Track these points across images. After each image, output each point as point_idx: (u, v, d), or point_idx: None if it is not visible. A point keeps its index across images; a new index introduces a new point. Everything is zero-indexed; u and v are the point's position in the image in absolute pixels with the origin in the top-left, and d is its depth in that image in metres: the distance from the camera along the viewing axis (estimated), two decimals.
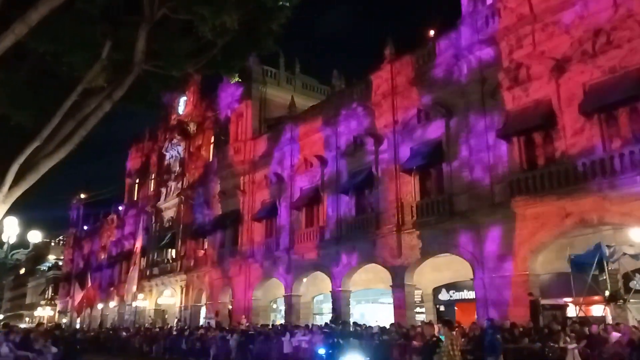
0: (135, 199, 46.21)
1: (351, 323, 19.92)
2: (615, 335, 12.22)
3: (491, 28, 18.72)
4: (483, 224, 17.85)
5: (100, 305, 47.22)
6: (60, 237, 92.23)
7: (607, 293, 13.87)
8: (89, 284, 45.00)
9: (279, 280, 27.18)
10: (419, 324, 17.71)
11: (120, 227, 47.26)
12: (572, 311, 15.71)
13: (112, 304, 44.90)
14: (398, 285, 20.63)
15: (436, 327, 13.85)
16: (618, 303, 14.04)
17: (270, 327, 23.55)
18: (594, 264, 13.89)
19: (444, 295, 21.32)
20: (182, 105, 40.49)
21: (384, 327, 18.07)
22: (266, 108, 32.82)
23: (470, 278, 18.29)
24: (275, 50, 14.53)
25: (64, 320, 54.80)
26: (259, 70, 32.82)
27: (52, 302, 67.53)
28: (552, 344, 12.65)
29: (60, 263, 75.29)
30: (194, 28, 11.64)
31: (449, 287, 21.03)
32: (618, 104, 15.13)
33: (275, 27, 12.62)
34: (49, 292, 72.36)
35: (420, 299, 21.88)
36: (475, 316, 17.58)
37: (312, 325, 21.37)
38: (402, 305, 20.36)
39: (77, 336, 34.80)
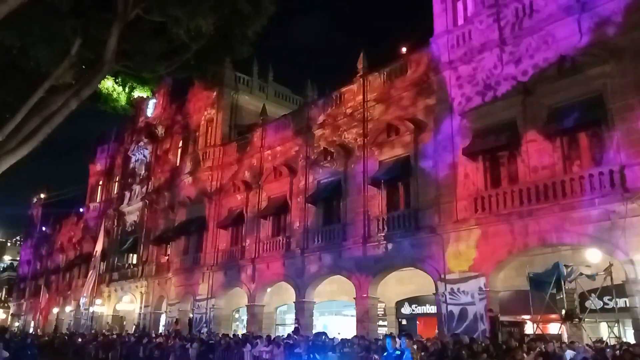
0: (97, 201, 45.17)
1: (313, 334, 19.82)
2: (570, 353, 12.49)
3: (462, 48, 19.17)
4: (447, 239, 18.11)
5: (55, 309, 45.76)
6: (17, 237, 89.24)
7: (563, 312, 14.21)
8: (47, 289, 43.62)
9: (242, 290, 26.89)
10: (381, 337, 17.76)
11: (80, 229, 46.04)
12: (529, 328, 16.02)
13: (69, 308, 43.56)
14: (361, 297, 20.68)
15: (397, 340, 13.93)
16: (574, 322, 14.39)
17: (232, 336, 23.23)
18: (552, 283, 14.23)
19: (406, 309, 21.47)
20: (151, 107, 39.91)
21: (346, 340, 18.02)
22: (237, 115, 32.68)
23: (433, 292, 18.49)
24: (249, 57, 14.50)
25: (17, 324, 52.86)
26: (231, 76, 32.71)
27: (6, 305, 65.13)
28: None
29: (16, 264, 72.71)
30: (168, 30, 11.51)
31: (412, 301, 21.21)
32: (579, 127, 15.65)
33: (251, 33, 12.61)
34: (3, 294, 69.78)
35: (383, 312, 21.96)
36: (436, 330, 17.75)
37: (275, 336, 21.16)
38: (364, 318, 20.41)
39: (28, 341, 33.59)
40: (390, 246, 20.05)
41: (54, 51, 11.17)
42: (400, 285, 21.17)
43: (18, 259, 72.41)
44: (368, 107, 22.55)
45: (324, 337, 17.63)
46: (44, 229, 55.90)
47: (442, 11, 20.23)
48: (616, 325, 14.27)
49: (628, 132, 14.54)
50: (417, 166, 19.99)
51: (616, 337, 13.96)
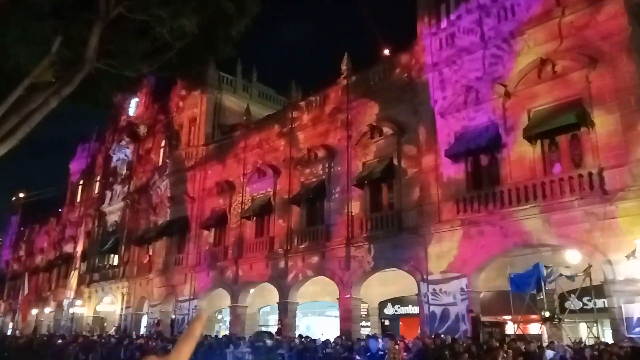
0: (78, 201, 44.57)
1: (297, 335, 19.82)
2: (549, 353, 12.67)
3: (444, 51, 19.34)
4: (429, 240, 18.24)
5: (34, 311, 45.03)
6: None
7: (543, 312, 14.40)
8: (26, 289, 42.89)
9: (225, 291, 26.75)
10: (364, 337, 17.82)
11: (60, 230, 45.36)
12: (510, 329, 16.21)
13: (48, 309, 42.90)
14: (345, 298, 20.72)
15: (380, 341, 13.99)
16: (554, 322, 14.59)
17: (214, 337, 23.09)
18: (532, 284, 14.42)
19: (389, 310, 21.57)
20: (133, 106, 39.52)
21: (329, 340, 18.06)
22: (220, 114, 32.51)
23: (415, 293, 18.60)
24: (232, 57, 14.46)
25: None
26: (215, 76, 32.51)
27: None
28: None
29: None
30: (151, 29, 11.40)
31: (395, 301, 21.31)
32: (559, 130, 15.89)
33: (234, 34, 12.56)
34: None
35: (366, 313, 22.03)
36: (419, 331, 17.87)
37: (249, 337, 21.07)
38: (347, 319, 20.45)
39: (6, 342, 33.05)
40: (373, 247, 20.11)
41: (35, 50, 11.00)
42: (384, 286, 21.26)
43: None
44: (351, 108, 22.61)
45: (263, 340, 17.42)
46: (22, 229, 54.94)
47: (426, 14, 20.38)
48: (595, 325, 14.51)
49: (607, 135, 14.79)
50: (400, 167, 20.10)
51: (595, 337, 14.19)
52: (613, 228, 14.16)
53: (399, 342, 14.76)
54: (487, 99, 17.63)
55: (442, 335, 15.30)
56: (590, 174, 14.74)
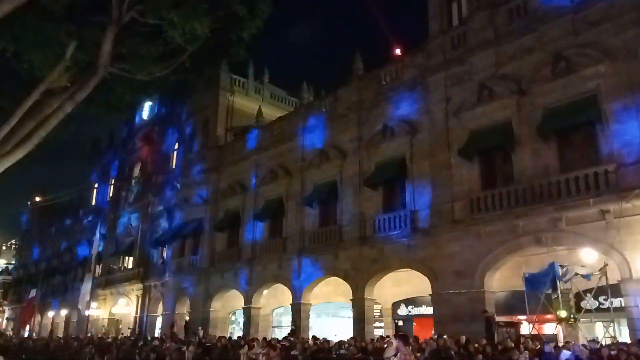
0: (93, 204, 45.03)
1: (310, 337, 19.83)
2: (565, 353, 12.54)
3: (456, 49, 19.25)
4: (443, 240, 18.14)
5: (51, 313, 45.56)
6: (12, 241, 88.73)
7: (559, 312, 14.26)
8: (34, 294, 43.41)
9: (238, 292, 26.85)
10: (377, 338, 17.78)
11: (76, 233, 45.85)
12: (525, 329, 16.07)
13: (64, 312, 43.38)
14: (358, 299, 20.68)
15: (395, 342, 13.95)
16: (569, 322, 14.44)
17: (228, 339, 23.18)
18: (548, 283, 14.27)
19: (402, 310, 21.48)
20: (147, 110, 39.84)
21: (342, 341, 18.04)
22: (233, 117, 32.65)
23: (429, 293, 18.51)
24: (244, 59, 14.54)
25: (12, 328, 52.56)
26: (227, 78, 32.67)
27: (1, 309, 64.68)
28: None
29: (11, 268, 72.30)
30: (163, 32, 11.50)
31: (408, 302, 21.22)
32: (573, 127, 15.72)
33: (246, 36, 12.62)
34: None
35: (379, 314, 21.98)
36: (432, 331, 17.77)
37: (272, 338, 21.14)
38: (361, 320, 20.40)
39: (23, 345, 33.46)
40: (386, 247, 20.05)
41: (48, 55, 11.16)
42: (397, 286, 21.18)
43: (13, 262, 72.02)
44: (363, 108, 22.59)
45: None
46: (38, 231, 55.63)
47: (437, 13, 20.31)
48: (611, 324, 14.33)
49: (622, 132, 14.62)
50: (413, 167, 20.03)
51: (611, 336, 14.02)
52: (630, 226, 14.00)
53: (412, 343, 14.68)
54: (501, 96, 17.51)
55: (445, 336, 15.23)
56: (606, 171, 14.57)
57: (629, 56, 14.81)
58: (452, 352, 13.79)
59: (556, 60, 16.20)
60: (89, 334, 33.39)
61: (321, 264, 22.55)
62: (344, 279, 21.55)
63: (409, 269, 19.60)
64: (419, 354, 13.94)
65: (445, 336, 15.21)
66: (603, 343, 13.44)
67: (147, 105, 39.62)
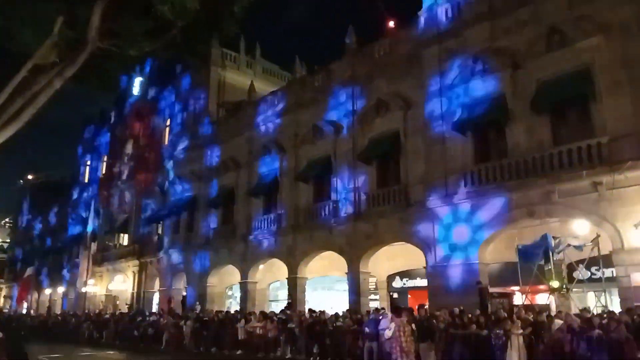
0: (86, 181, 44.88)
1: (306, 310, 20.07)
2: (558, 322, 12.77)
3: (450, 22, 19.06)
4: (436, 213, 18.26)
5: (48, 291, 45.83)
6: (6, 220, 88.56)
7: (551, 282, 14.47)
8: (31, 271, 43.57)
9: (234, 267, 27.03)
10: (372, 310, 18.01)
11: (70, 211, 45.81)
12: (518, 299, 16.32)
13: (61, 289, 43.63)
14: (353, 272, 20.89)
15: (389, 314, 14.12)
16: (562, 292, 14.67)
17: (225, 313, 23.44)
18: (540, 255, 14.45)
19: (397, 283, 21.76)
20: (138, 86, 39.40)
21: (338, 314, 18.29)
22: (225, 92, 32.37)
23: (423, 266, 18.72)
24: (236, 33, 14.30)
25: (9, 305, 52.92)
26: (218, 53, 32.26)
27: None
28: (498, 331, 13.13)
29: (7, 246, 72.35)
30: (153, 7, 11.28)
31: (403, 274, 21.48)
32: (567, 101, 15.71)
33: (237, 9, 12.40)
34: None
35: (374, 286, 22.23)
36: (427, 303, 18.02)
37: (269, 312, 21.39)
38: (356, 293, 20.65)
39: (21, 321, 33.73)
40: (381, 221, 20.17)
41: (37, 32, 10.95)
42: (392, 259, 21.40)
43: (8, 240, 72.04)
44: (357, 82, 22.43)
45: None
46: (32, 210, 55.55)
47: None
48: (603, 294, 14.58)
49: (615, 105, 14.64)
50: (407, 142, 20.02)
51: (603, 306, 14.28)
52: (621, 197, 14.14)
53: (407, 314, 14.88)
54: (495, 70, 17.43)
55: (426, 306, 15.58)
56: (598, 144, 14.64)
57: (623, 30, 14.73)
58: (433, 321, 14.10)
59: (551, 33, 16.09)
60: (86, 311, 33.69)
61: (316, 239, 22.68)
62: (339, 254, 21.72)
63: (403, 243, 19.76)
64: (412, 325, 14.13)
65: (426, 306, 15.51)
66: (594, 312, 13.68)
67: (139, 82, 39.15)
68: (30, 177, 55.41)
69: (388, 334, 13.04)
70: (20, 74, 11.18)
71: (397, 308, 12.52)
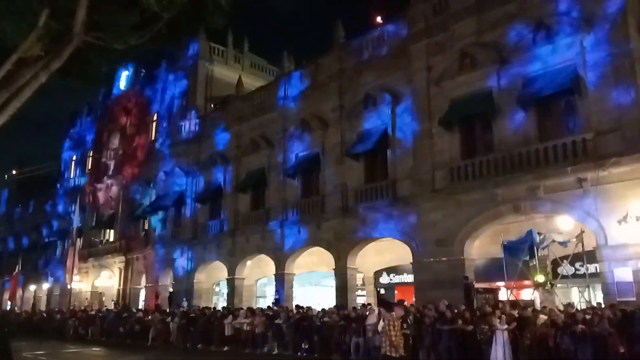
0: (72, 176, 44.36)
1: (294, 306, 20.07)
2: (542, 317, 12.91)
3: (438, 16, 19.10)
4: (424, 209, 18.33)
5: (32, 287, 45.32)
6: None
7: (536, 278, 14.61)
8: (17, 269, 43.02)
9: (222, 263, 26.94)
10: (359, 306, 18.07)
11: (55, 206, 45.26)
12: (503, 295, 16.46)
13: (46, 285, 43.16)
14: (340, 268, 20.92)
15: (376, 309, 14.17)
16: (546, 287, 14.82)
17: (212, 309, 23.36)
18: (526, 250, 14.58)
19: (384, 279, 21.83)
20: (124, 80, 38.99)
21: (325, 309, 18.31)
22: (212, 86, 32.17)
23: (410, 262, 18.80)
24: (223, 27, 14.20)
25: None
26: (205, 47, 32.05)
27: None
28: (483, 326, 13.24)
29: None
30: None
31: (390, 270, 21.55)
32: (553, 96, 15.83)
33: (224, 2, 12.30)
34: None
35: (361, 282, 22.29)
36: (414, 298, 18.13)
37: (256, 308, 21.35)
38: (344, 288, 20.68)
39: (6, 318, 33.27)
40: (368, 217, 20.21)
41: (22, 25, 10.77)
42: (379, 255, 21.46)
43: None
44: (344, 77, 22.40)
45: None
46: (17, 205, 54.82)
47: None
48: (587, 290, 14.75)
49: (601, 100, 14.78)
50: (395, 137, 20.06)
51: (586, 301, 14.45)
52: (606, 193, 14.29)
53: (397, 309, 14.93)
54: (482, 64, 17.50)
55: (406, 302, 15.57)
56: (584, 140, 14.78)
57: (610, 25, 14.85)
58: (418, 316, 14.17)
59: (537, 28, 16.19)
60: (71, 307, 33.36)
61: (304, 235, 22.67)
62: (326, 249, 21.74)
63: (390, 238, 19.83)
64: (401, 320, 14.19)
65: (406, 302, 15.53)
66: (578, 307, 13.85)
67: (125, 75, 38.73)
68: (14, 172, 54.67)
69: (378, 328, 13.08)
70: (5, 67, 11.01)
71: (388, 303, 12.58)
